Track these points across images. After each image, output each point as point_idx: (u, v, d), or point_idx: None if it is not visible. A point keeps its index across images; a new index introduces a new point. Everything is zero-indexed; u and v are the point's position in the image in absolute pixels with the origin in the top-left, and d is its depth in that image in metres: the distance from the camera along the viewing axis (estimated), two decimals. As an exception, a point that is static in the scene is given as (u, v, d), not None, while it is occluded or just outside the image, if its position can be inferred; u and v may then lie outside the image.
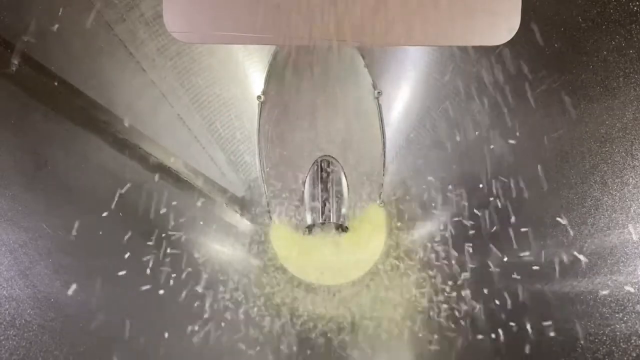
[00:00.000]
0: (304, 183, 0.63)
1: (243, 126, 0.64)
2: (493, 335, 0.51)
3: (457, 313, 0.54)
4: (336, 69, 0.64)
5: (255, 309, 0.57)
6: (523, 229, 0.52)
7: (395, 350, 0.57)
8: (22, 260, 0.47)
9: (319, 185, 0.62)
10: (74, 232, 0.49)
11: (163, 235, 0.54)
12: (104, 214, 0.50)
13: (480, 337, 0.52)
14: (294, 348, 0.56)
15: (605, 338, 0.47)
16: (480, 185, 0.55)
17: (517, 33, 0.45)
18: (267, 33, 0.45)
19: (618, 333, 0.47)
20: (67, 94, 0.51)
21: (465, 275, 0.55)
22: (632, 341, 0.46)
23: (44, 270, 0.47)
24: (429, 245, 0.59)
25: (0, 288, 0.45)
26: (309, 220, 0.62)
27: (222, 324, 0.54)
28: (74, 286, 0.47)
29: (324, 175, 0.63)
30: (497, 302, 0.52)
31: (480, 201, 0.55)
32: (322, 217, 0.61)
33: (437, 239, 0.59)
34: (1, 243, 0.46)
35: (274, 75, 0.64)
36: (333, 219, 0.61)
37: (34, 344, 0.45)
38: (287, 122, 0.64)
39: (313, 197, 0.62)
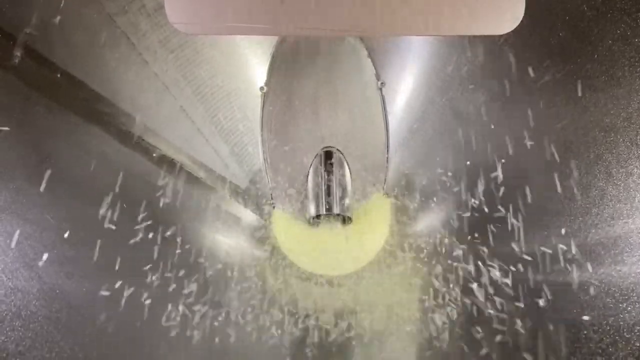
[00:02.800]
0: (307, 174, 0.63)
1: (246, 118, 0.64)
2: (496, 326, 0.52)
3: (459, 304, 0.54)
4: (339, 60, 0.64)
5: (258, 299, 0.58)
6: (527, 220, 0.52)
7: (399, 342, 0.57)
8: (27, 252, 0.47)
9: (322, 176, 0.62)
10: (77, 225, 0.49)
11: (167, 226, 0.54)
12: (108, 206, 0.51)
13: (483, 328, 0.52)
14: (296, 338, 0.56)
15: (608, 328, 0.47)
16: (484, 176, 0.55)
17: (521, 22, 0.44)
18: (270, 24, 0.45)
19: (622, 323, 0.47)
20: (70, 86, 0.51)
21: (468, 266, 0.55)
22: (636, 331, 0.46)
23: (49, 262, 0.47)
24: (432, 236, 0.59)
25: (5, 280, 0.45)
26: (312, 211, 0.62)
27: (225, 315, 0.55)
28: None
29: (327, 166, 0.63)
30: (499, 293, 0.52)
31: (484, 192, 0.55)
32: (325, 208, 0.61)
33: (441, 230, 0.59)
34: (6, 235, 0.46)
35: (276, 66, 0.64)
36: (336, 210, 0.61)
37: (39, 335, 0.45)
38: (290, 114, 0.64)
39: (316, 188, 0.62)
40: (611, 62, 0.49)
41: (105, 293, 0.49)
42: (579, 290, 0.49)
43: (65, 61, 0.50)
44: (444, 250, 0.58)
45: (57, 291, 0.47)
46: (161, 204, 0.55)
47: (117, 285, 0.49)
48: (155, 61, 0.57)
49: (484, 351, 0.51)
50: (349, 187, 0.63)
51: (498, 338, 0.51)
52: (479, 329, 0.52)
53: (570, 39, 0.50)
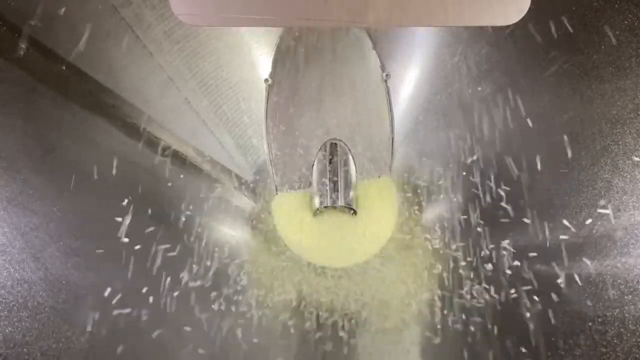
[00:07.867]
0: (312, 166, 0.63)
1: (251, 109, 0.64)
2: (502, 318, 0.52)
3: (466, 295, 0.55)
4: (344, 51, 0.64)
5: (263, 292, 0.58)
6: (533, 211, 0.52)
7: (406, 333, 0.57)
8: (34, 243, 0.47)
9: (327, 168, 0.62)
10: (83, 216, 0.49)
11: (171, 218, 0.54)
12: (113, 198, 0.51)
13: (489, 319, 0.52)
14: (302, 331, 0.57)
15: (614, 320, 0.47)
16: (490, 168, 0.55)
17: (527, 13, 0.44)
18: (274, 15, 0.45)
19: (627, 315, 0.47)
20: (74, 78, 0.51)
21: (474, 257, 0.55)
22: (641, 323, 0.46)
23: (55, 253, 0.48)
24: (438, 227, 0.59)
25: (12, 271, 0.46)
26: (317, 203, 0.62)
27: (229, 309, 0.55)
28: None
29: (332, 158, 0.63)
30: (506, 284, 0.52)
31: (489, 183, 0.55)
32: (330, 200, 0.61)
33: (446, 221, 0.59)
34: (13, 227, 0.46)
35: (281, 58, 0.63)
36: (341, 202, 0.61)
37: (46, 325, 0.46)
38: (294, 105, 0.64)
39: (321, 180, 0.62)
40: (618, 53, 0.49)
41: (110, 284, 0.49)
42: (584, 282, 0.49)
43: (70, 53, 0.50)
44: (449, 241, 0.58)
45: (64, 282, 0.47)
46: (165, 196, 0.55)
47: (122, 276, 0.49)
48: (160, 53, 0.57)
49: (490, 343, 0.51)
50: (353, 179, 0.63)
51: (505, 329, 0.51)
52: (487, 318, 0.52)
53: (577, 30, 0.50)
